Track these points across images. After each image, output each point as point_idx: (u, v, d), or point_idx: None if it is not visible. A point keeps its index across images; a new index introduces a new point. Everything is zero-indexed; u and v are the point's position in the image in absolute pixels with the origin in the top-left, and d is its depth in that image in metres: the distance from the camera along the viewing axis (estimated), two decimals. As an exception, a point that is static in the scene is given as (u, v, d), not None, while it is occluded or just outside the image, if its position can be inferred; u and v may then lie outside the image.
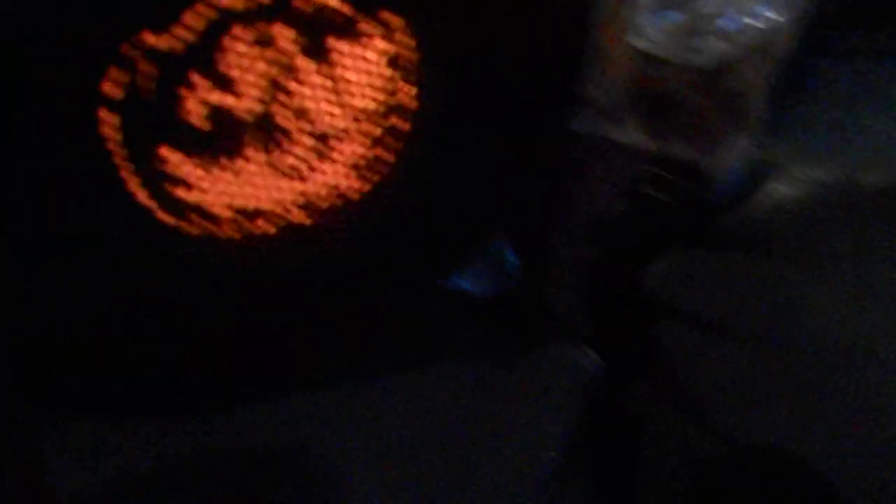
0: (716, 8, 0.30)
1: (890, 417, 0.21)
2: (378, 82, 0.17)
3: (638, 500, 0.26)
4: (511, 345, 0.28)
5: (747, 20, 0.30)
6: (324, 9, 0.15)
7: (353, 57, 0.16)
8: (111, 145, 0.14)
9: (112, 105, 0.14)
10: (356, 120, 0.17)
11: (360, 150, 0.17)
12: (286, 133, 0.16)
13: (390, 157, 0.18)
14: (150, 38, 0.14)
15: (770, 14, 0.30)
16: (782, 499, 0.23)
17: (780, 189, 0.31)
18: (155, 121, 0.15)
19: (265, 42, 0.15)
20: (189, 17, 0.14)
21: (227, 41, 0.15)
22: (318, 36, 0.15)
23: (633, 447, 0.27)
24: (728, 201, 0.31)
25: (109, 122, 0.14)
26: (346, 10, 0.15)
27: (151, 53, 0.14)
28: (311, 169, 0.17)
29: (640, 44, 0.31)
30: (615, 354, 0.29)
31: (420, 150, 0.18)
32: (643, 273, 0.30)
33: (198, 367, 0.19)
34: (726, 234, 0.30)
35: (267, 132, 0.16)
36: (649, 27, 0.31)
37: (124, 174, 0.15)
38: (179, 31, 0.14)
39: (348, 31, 0.16)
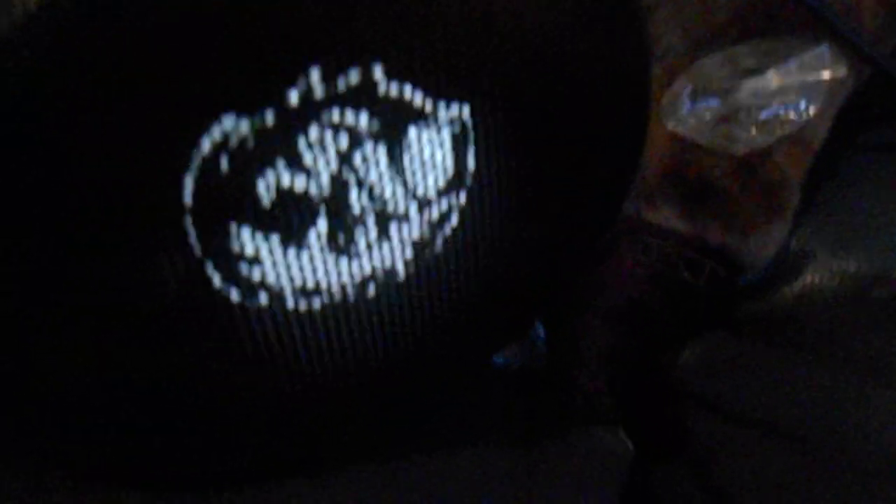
0: (753, 98, 0.31)
1: None
2: (446, 163, 0.17)
3: None
4: (540, 423, 0.27)
5: (783, 111, 0.30)
6: (404, 101, 0.15)
7: (423, 141, 0.16)
8: (188, 227, 0.14)
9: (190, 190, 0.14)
10: (422, 201, 0.17)
11: (423, 231, 0.17)
12: (353, 213, 0.16)
13: (448, 238, 0.18)
14: (236, 129, 0.14)
15: (806, 106, 0.30)
16: None
17: (811, 278, 0.31)
18: (229, 201, 0.15)
19: (345, 127, 0.15)
20: (280, 105, 0.14)
21: (311, 126, 0.15)
22: (393, 122, 0.16)
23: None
24: (761, 289, 0.31)
25: (186, 208, 0.14)
26: (425, 103, 0.15)
27: (233, 141, 0.14)
28: (368, 247, 0.17)
29: (679, 129, 0.32)
30: (644, 439, 0.29)
31: (481, 236, 0.18)
32: (673, 358, 0.29)
33: (245, 448, 0.18)
34: (758, 323, 0.30)
35: (335, 212, 0.16)
36: (687, 114, 0.32)
37: (197, 253, 0.15)
38: (267, 117, 0.14)
39: (424, 120, 0.16)
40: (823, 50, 0.30)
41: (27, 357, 0.15)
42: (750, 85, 0.31)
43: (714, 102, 0.31)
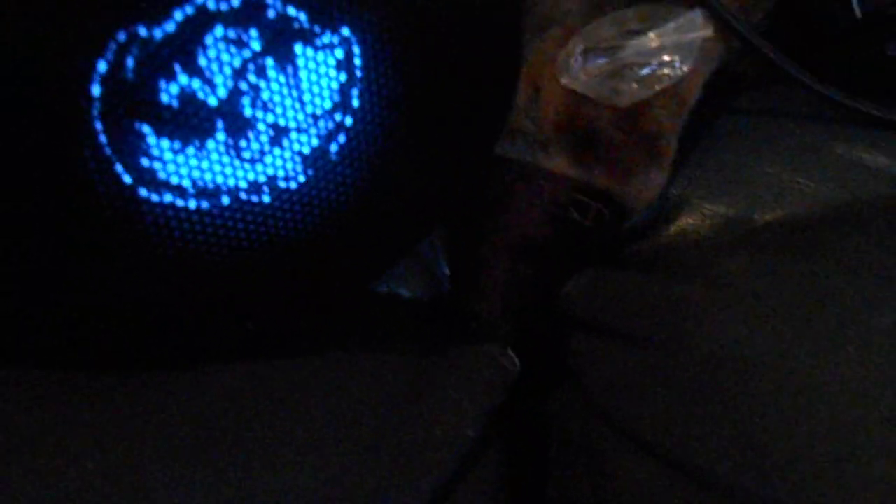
0: (635, 56, 0.34)
1: (761, 417, 0.24)
2: (332, 83, 0.19)
3: (544, 490, 0.28)
4: (438, 344, 0.30)
5: (661, 68, 0.34)
6: (288, 18, 0.18)
7: (312, 61, 0.19)
8: (96, 124, 0.16)
9: (99, 87, 0.16)
10: (312, 115, 0.19)
11: (314, 142, 0.20)
12: (248, 122, 0.19)
13: (337, 150, 0.20)
14: (142, 31, 0.16)
15: (680, 64, 0.34)
16: (673, 494, 0.26)
17: (686, 219, 0.35)
18: (135, 102, 0.17)
19: (238, 41, 0.17)
20: (177, 14, 0.16)
21: (207, 38, 0.17)
22: (284, 40, 0.18)
23: (544, 442, 0.29)
24: (640, 228, 0.34)
25: (94, 102, 0.16)
26: (309, 23, 0.18)
27: (140, 43, 0.16)
28: (263, 153, 0.20)
29: (571, 84, 0.35)
30: (534, 359, 0.32)
31: (363, 149, 0.20)
32: (562, 288, 0.32)
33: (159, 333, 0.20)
34: (637, 257, 0.33)
35: (232, 120, 0.18)
36: (579, 70, 0.35)
37: (107, 151, 0.17)
38: (168, 25, 0.16)
39: (311, 40, 0.18)
40: (696, 14, 0.33)
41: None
42: (633, 44, 0.34)
43: (602, 60, 0.34)
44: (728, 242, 0.32)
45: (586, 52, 0.35)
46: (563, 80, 0.35)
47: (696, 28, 0.33)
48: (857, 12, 0.35)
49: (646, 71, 0.34)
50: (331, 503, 0.21)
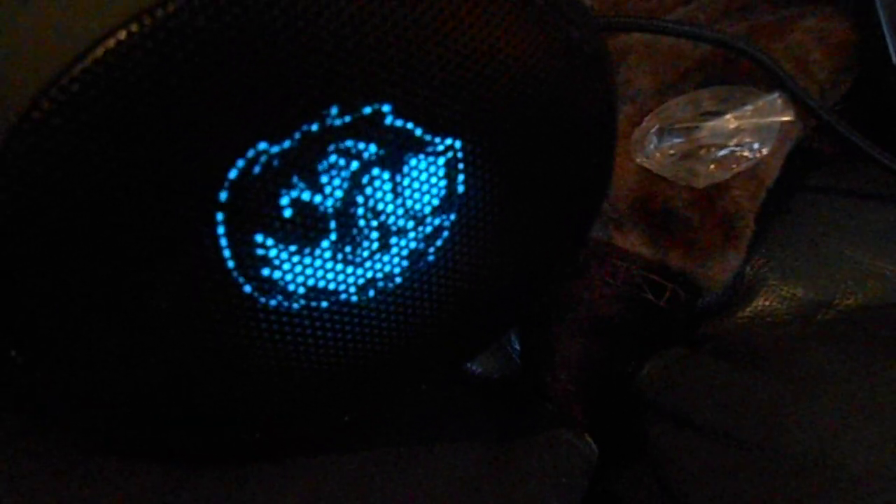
0: (712, 138, 0.34)
1: None
2: (436, 188, 0.20)
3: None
4: (514, 426, 0.30)
5: (739, 150, 0.34)
6: (403, 130, 0.18)
7: (423, 170, 0.19)
8: (221, 237, 0.17)
9: (226, 195, 0.17)
10: (414, 218, 0.20)
11: (412, 245, 0.20)
12: (358, 226, 0.19)
13: (434, 251, 0.21)
14: (268, 147, 0.17)
15: (759, 147, 0.34)
16: None
17: (762, 301, 0.35)
18: (256, 214, 0.17)
19: (356, 154, 0.18)
20: (303, 131, 0.17)
21: (328, 151, 0.18)
22: (397, 151, 0.18)
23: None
24: (715, 308, 0.34)
25: (220, 218, 0.17)
26: (423, 136, 0.18)
27: (266, 157, 0.17)
28: (371, 256, 0.20)
29: (646, 163, 0.35)
30: (608, 444, 0.31)
31: (460, 250, 0.21)
32: (636, 371, 0.32)
33: (253, 426, 0.21)
34: (713, 341, 0.33)
35: (343, 225, 0.19)
36: (654, 149, 0.35)
37: (230, 264, 0.17)
38: (294, 139, 0.17)
39: (421, 149, 0.19)
40: (775, 98, 0.33)
41: (83, 340, 0.17)
42: (710, 126, 0.34)
43: (678, 140, 0.35)
44: (810, 331, 0.31)
45: (661, 132, 0.35)
46: (639, 160, 0.35)
47: (776, 111, 0.33)
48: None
49: (723, 152, 0.34)
50: None
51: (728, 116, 0.34)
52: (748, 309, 0.34)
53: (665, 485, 0.29)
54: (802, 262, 0.35)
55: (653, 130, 0.35)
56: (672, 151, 0.35)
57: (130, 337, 0.18)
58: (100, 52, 0.14)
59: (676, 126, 0.35)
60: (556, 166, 0.22)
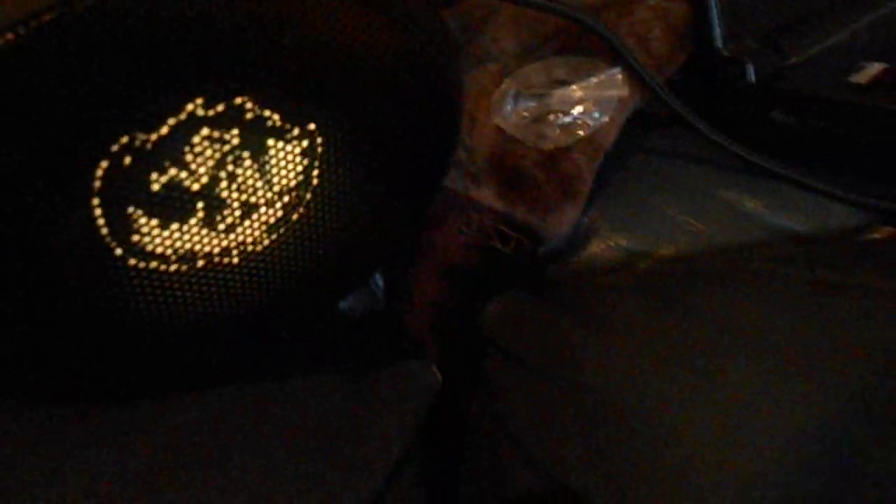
0: (560, 105, 0.38)
1: (630, 451, 0.28)
2: (297, 167, 0.23)
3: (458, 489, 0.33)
4: (371, 360, 0.34)
5: (582, 118, 0.38)
6: (264, 118, 0.21)
7: (281, 151, 0.22)
8: (96, 210, 0.19)
9: (99, 181, 0.19)
10: (278, 193, 0.23)
11: (278, 214, 0.23)
12: (223, 201, 0.22)
13: (297, 218, 0.24)
14: (139, 136, 0.19)
15: (600, 116, 0.38)
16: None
17: (593, 248, 0.40)
18: (128, 191, 0.19)
19: (220, 139, 0.20)
20: (170, 120, 0.19)
21: (194, 138, 0.20)
22: (259, 136, 0.21)
23: (459, 457, 0.34)
24: (553, 253, 0.39)
25: (95, 193, 0.19)
26: (281, 121, 0.21)
27: (137, 144, 0.19)
28: (234, 225, 0.23)
29: (502, 123, 0.38)
30: (454, 376, 0.36)
31: (321, 216, 0.24)
32: (481, 311, 0.37)
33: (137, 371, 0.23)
34: (552, 287, 0.38)
35: (210, 201, 0.21)
36: (510, 112, 0.38)
37: (103, 231, 0.20)
38: (162, 129, 0.19)
39: (282, 135, 0.21)
40: (616, 72, 0.38)
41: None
42: (559, 94, 0.38)
43: (531, 104, 0.38)
44: (629, 281, 0.37)
45: (517, 96, 0.39)
46: (496, 120, 0.38)
47: (616, 86, 0.38)
48: (751, 79, 0.40)
49: (568, 119, 0.38)
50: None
51: (574, 86, 0.38)
52: (583, 255, 0.39)
53: (495, 410, 0.34)
54: (629, 216, 0.40)
55: (511, 93, 0.39)
56: (525, 114, 0.38)
57: (19, 298, 0.20)
58: None
59: (530, 91, 0.39)
60: (404, 137, 0.25)
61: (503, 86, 0.39)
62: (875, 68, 0.41)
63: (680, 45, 0.41)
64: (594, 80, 0.38)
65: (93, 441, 0.23)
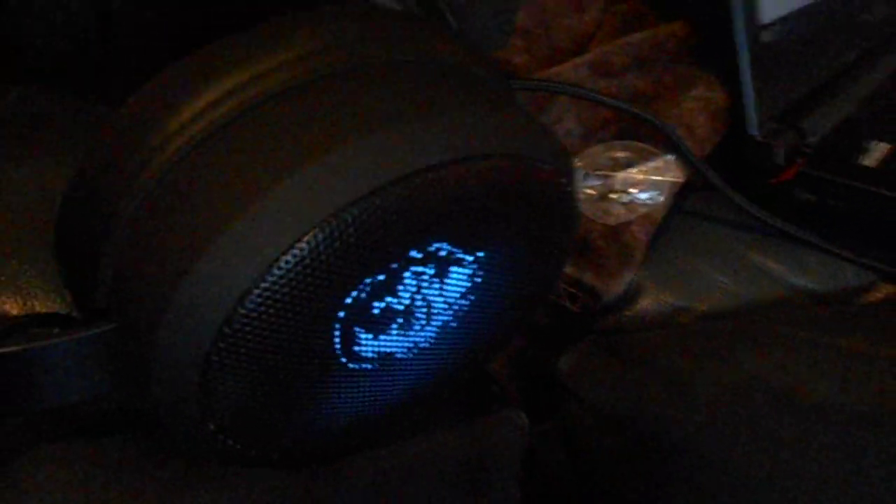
0: (622, 184, 0.45)
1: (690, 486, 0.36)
2: (465, 283, 0.29)
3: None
4: (475, 406, 0.40)
5: (640, 196, 0.45)
6: (452, 254, 0.27)
7: (458, 273, 0.28)
8: (335, 332, 0.25)
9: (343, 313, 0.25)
10: (448, 303, 0.29)
11: (444, 319, 0.30)
12: (414, 314, 0.28)
13: (457, 322, 0.30)
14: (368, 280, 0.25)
15: (656, 196, 0.45)
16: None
17: (643, 304, 0.47)
18: (359, 317, 0.26)
19: (422, 275, 0.27)
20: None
21: (406, 275, 0.26)
22: (445, 266, 0.27)
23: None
24: (610, 307, 0.46)
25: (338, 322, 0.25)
26: (461, 253, 0.27)
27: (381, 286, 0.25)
28: (421, 329, 0.29)
29: (571, 199, 0.45)
30: (535, 418, 0.43)
31: (474, 320, 0.30)
32: (557, 361, 0.44)
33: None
34: (609, 336, 0.45)
35: (406, 316, 0.27)
36: (579, 189, 0.45)
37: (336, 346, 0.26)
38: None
39: (460, 263, 0.28)
40: (671, 158, 0.44)
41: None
42: (621, 175, 0.45)
43: (597, 182, 0.45)
44: (675, 335, 0.44)
45: (584, 175, 0.45)
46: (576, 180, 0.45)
47: (670, 169, 0.44)
48: (780, 161, 0.47)
49: (629, 198, 0.44)
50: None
51: (635, 170, 0.44)
52: (634, 309, 0.46)
53: (574, 453, 0.41)
54: (672, 274, 0.47)
55: (578, 173, 0.45)
56: (591, 192, 0.45)
57: (288, 410, 0.26)
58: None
59: (596, 170, 0.45)
60: (537, 265, 0.32)
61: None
62: (882, 150, 0.49)
63: (720, 128, 0.48)
64: (651, 164, 0.44)
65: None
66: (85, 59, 0.48)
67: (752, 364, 0.40)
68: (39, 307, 0.33)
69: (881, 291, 0.48)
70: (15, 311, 0.31)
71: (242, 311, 0.22)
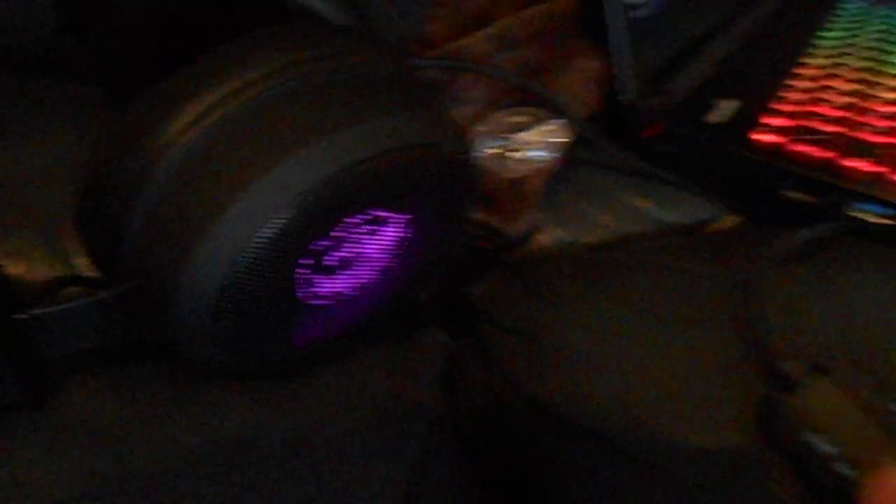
0: (519, 144, 0.55)
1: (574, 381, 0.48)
2: (396, 237, 0.39)
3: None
4: (396, 322, 0.51)
5: (535, 155, 0.55)
6: (385, 217, 0.36)
7: (390, 230, 0.38)
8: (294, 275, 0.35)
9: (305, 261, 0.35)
10: (380, 251, 0.39)
11: (379, 265, 0.39)
12: (352, 263, 0.38)
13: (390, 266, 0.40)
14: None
15: (548, 153, 0.55)
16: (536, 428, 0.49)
17: (541, 239, 0.58)
18: (314, 265, 0.35)
19: (360, 232, 0.36)
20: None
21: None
22: (378, 225, 0.37)
23: (466, 404, 0.52)
24: (514, 243, 0.57)
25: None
26: (394, 216, 0.37)
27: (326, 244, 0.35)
28: (361, 273, 0.39)
29: (478, 158, 0.55)
30: (458, 339, 0.54)
31: (401, 267, 0.40)
32: (472, 288, 0.54)
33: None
34: (514, 266, 0.56)
35: (345, 265, 0.37)
36: (482, 149, 0.55)
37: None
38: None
39: (390, 222, 0.37)
40: (560, 122, 0.54)
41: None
42: (519, 136, 0.54)
43: (498, 143, 0.55)
44: (566, 264, 0.55)
45: (487, 136, 0.55)
46: (473, 154, 0.55)
47: (560, 132, 0.54)
48: (648, 119, 0.57)
49: (526, 156, 0.54)
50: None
51: (531, 131, 0.54)
52: (534, 245, 0.57)
53: (487, 364, 0.52)
54: (563, 215, 0.58)
55: (483, 135, 0.55)
56: (495, 150, 0.55)
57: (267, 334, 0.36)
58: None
59: (498, 133, 0.55)
60: (454, 203, 0.41)
61: (478, 128, 0.55)
62: (730, 107, 0.60)
63: (602, 92, 0.58)
64: (545, 127, 0.54)
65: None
66: (45, 42, 0.54)
67: (623, 285, 0.52)
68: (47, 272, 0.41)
69: (727, 222, 0.60)
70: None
71: (239, 264, 0.31)
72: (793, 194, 0.54)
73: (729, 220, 0.60)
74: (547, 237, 0.57)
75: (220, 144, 0.31)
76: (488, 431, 0.49)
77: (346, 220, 0.35)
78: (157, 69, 0.33)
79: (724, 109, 0.59)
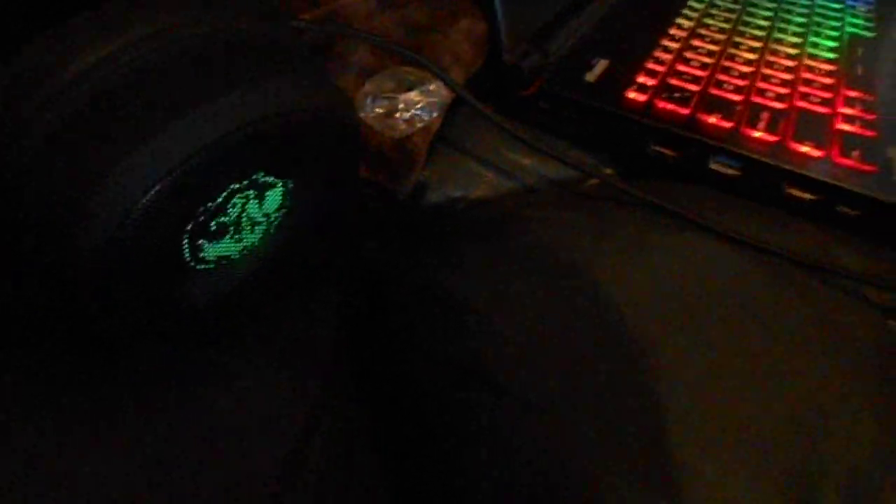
0: (404, 104, 0.56)
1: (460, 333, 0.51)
2: (279, 201, 0.40)
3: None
4: (290, 285, 0.52)
5: (419, 114, 0.56)
6: (266, 180, 0.37)
7: (273, 194, 0.39)
8: (184, 245, 0.35)
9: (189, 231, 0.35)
10: (266, 215, 0.40)
11: (265, 227, 0.40)
12: (241, 226, 0.38)
13: (276, 227, 0.41)
14: (210, 205, 0.35)
15: (430, 113, 0.56)
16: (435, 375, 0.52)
17: (429, 197, 0.60)
18: (200, 233, 0.36)
19: (245, 196, 0.37)
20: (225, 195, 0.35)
21: (236, 198, 0.36)
22: (263, 189, 0.38)
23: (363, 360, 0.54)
24: (404, 202, 0.58)
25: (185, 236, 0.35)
26: (274, 180, 0.38)
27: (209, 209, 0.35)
28: (247, 235, 0.40)
29: (364, 118, 0.56)
30: (353, 297, 0.55)
31: (290, 224, 0.41)
32: (368, 243, 0.56)
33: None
34: (407, 225, 0.58)
35: (235, 228, 0.38)
36: (369, 109, 0.56)
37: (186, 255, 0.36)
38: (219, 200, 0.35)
39: (274, 186, 0.38)
40: (440, 84, 0.56)
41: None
42: (404, 97, 0.56)
43: (384, 103, 0.56)
44: (453, 220, 0.57)
45: (373, 97, 0.56)
46: (360, 115, 0.56)
47: (440, 93, 0.56)
48: (525, 80, 0.60)
49: (410, 115, 0.56)
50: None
51: (414, 92, 0.56)
52: (423, 201, 0.59)
53: (383, 318, 0.54)
54: (449, 172, 0.60)
55: (368, 95, 0.56)
56: (380, 111, 0.56)
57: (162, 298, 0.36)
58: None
59: (383, 93, 0.56)
60: (340, 165, 0.42)
61: (364, 89, 0.56)
62: (602, 66, 0.64)
63: (482, 53, 0.60)
64: (427, 87, 0.56)
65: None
66: None
67: (505, 237, 0.55)
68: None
69: (602, 177, 0.64)
70: None
71: (129, 221, 0.31)
72: (660, 149, 0.59)
73: (594, 181, 0.64)
74: (435, 193, 0.59)
75: (97, 113, 0.31)
76: (385, 383, 0.52)
77: (230, 185, 0.35)
78: (22, 33, 0.32)
79: (599, 68, 0.63)
